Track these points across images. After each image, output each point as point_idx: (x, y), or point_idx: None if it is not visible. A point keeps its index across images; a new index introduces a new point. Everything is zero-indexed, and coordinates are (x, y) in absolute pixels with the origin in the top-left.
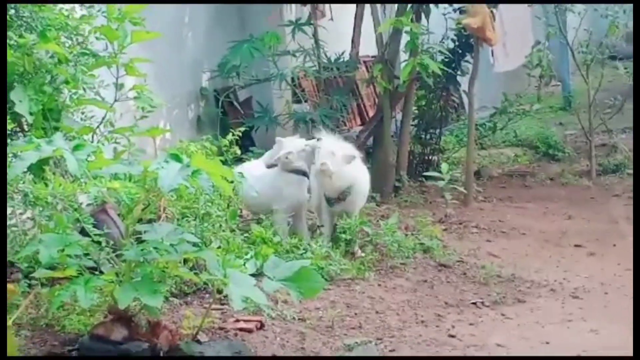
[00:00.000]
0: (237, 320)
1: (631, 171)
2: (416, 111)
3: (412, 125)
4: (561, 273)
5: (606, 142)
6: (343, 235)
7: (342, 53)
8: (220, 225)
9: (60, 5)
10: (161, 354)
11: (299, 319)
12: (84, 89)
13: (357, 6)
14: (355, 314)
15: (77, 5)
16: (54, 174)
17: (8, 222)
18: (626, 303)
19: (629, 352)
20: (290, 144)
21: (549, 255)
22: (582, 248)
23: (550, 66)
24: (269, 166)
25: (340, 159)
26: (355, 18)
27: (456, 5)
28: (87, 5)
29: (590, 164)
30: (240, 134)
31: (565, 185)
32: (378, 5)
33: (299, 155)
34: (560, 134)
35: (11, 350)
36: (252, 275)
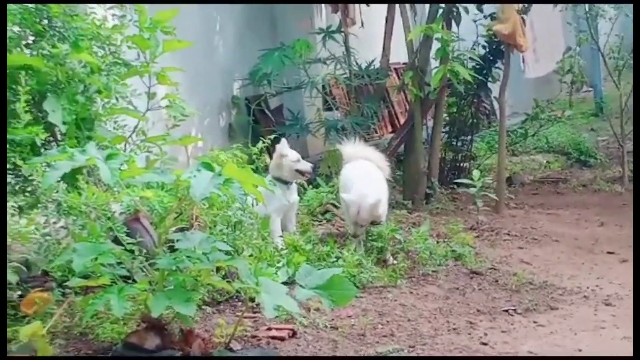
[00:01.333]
0: (270, 329)
1: None
2: (447, 118)
3: (443, 132)
4: (594, 280)
5: None
6: (375, 243)
7: (373, 60)
8: (252, 234)
9: (92, 15)
10: None
11: (331, 327)
12: (117, 98)
13: (387, 13)
14: (387, 321)
15: (109, 15)
16: (87, 183)
17: (42, 231)
18: None
19: None
20: (293, 152)
21: (582, 262)
22: (614, 255)
23: (582, 72)
24: (275, 177)
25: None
26: (385, 25)
27: (487, 12)
28: (119, 14)
29: (623, 170)
30: (271, 142)
31: (598, 191)
32: (409, 12)
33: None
34: (592, 140)
35: None
36: (284, 283)
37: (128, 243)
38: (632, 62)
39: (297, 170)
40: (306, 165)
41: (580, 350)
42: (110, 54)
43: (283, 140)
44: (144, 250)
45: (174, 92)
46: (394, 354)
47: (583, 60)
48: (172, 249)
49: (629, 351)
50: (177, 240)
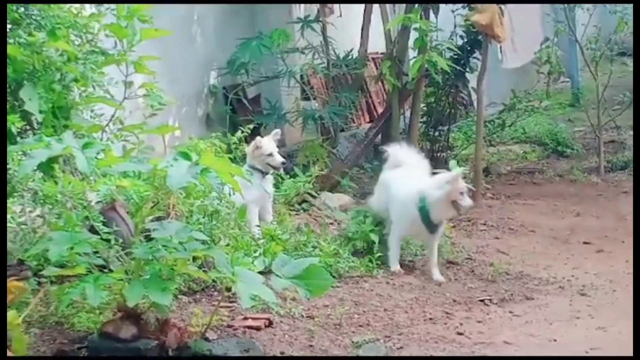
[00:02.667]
0: (246, 318)
1: None
2: (425, 108)
3: (420, 122)
4: (569, 270)
5: (615, 139)
6: (350, 235)
7: (351, 50)
8: (229, 223)
9: (69, 4)
10: (170, 352)
11: (307, 317)
12: (94, 87)
13: (365, 3)
14: (364, 311)
15: (86, 3)
16: (63, 172)
17: (18, 220)
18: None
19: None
20: (270, 145)
21: (558, 252)
22: (590, 245)
23: (559, 63)
24: (251, 166)
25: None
26: (363, 15)
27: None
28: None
29: (599, 160)
30: (249, 132)
31: (574, 182)
32: (387, 2)
33: None
34: (569, 131)
35: (21, 348)
36: (261, 273)
37: (104, 232)
38: (609, 53)
39: (268, 164)
40: (276, 161)
41: (555, 341)
42: (87, 43)
43: (275, 131)
44: (120, 240)
45: (151, 81)
46: (370, 344)
47: (560, 51)
48: (149, 238)
49: (604, 341)
50: (154, 230)
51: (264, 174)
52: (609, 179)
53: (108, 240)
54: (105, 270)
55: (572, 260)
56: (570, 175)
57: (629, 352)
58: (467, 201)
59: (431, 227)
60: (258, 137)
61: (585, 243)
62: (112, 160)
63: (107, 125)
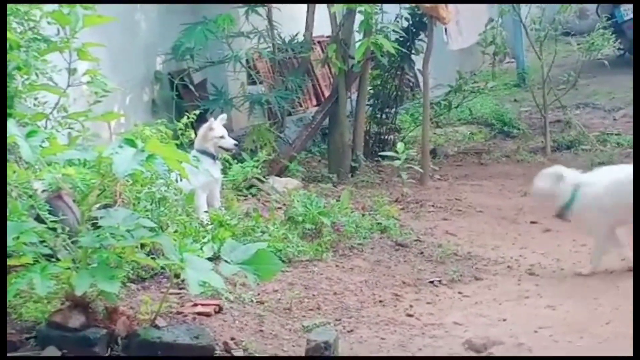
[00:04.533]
0: (195, 305)
1: (586, 147)
2: (371, 91)
3: (367, 105)
4: (517, 250)
5: (560, 119)
6: (300, 218)
7: (297, 34)
8: (177, 210)
9: None
10: (119, 340)
11: (257, 302)
12: (37, 75)
13: None
14: (314, 295)
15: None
16: (7, 161)
17: None
18: (581, 279)
19: (584, 327)
20: (221, 128)
21: (505, 232)
22: (537, 225)
23: (504, 43)
24: (201, 150)
25: None
26: (308, 3)
27: None
28: None
29: (545, 140)
30: (196, 117)
31: (521, 162)
32: None
33: None
34: (515, 111)
35: None
36: (210, 259)
37: (51, 221)
38: (553, 33)
39: (220, 147)
40: (229, 143)
41: (504, 320)
42: (29, 30)
43: (222, 116)
44: (67, 228)
45: (95, 67)
46: (320, 328)
47: (505, 32)
48: (96, 227)
49: (552, 320)
50: (101, 218)
51: (214, 158)
52: (555, 159)
53: (54, 229)
54: (53, 260)
55: (520, 240)
56: (517, 155)
57: (579, 331)
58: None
59: None
60: (211, 119)
61: (532, 223)
62: (57, 149)
63: (51, 113)
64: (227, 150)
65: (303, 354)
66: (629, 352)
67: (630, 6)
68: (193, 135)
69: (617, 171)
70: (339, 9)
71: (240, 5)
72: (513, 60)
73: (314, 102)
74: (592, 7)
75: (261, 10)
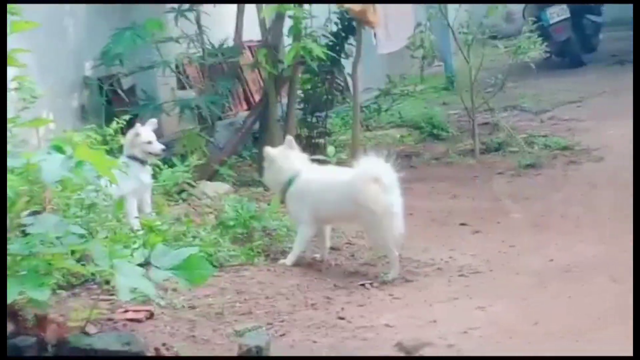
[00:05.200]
0: (126, 311)
1: (514, 149)
2: (302, 95)
3: (298, 109)
4: (447, 252)
5: (488, 121)
6: (231, 222)
7: (226, 38)
8: (107, 216)
9: None
10: (49, 348)
11: (189, 307)
12: None
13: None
14: (245, 299)
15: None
16: None
17: None
18: (511, 279)
19: (513, 327)
20: (148, 133)
21: (435, 234)
22: (467, 226)
23: (433, 47)
24: (130, 156)
25: None
26: (237, 3)
27: None
28: None
29: (474, 142)
30: (125, 123)
31: (450, 164)
32: None
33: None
34: (444, 114)
35: None
36: (141, 265)
37: None
38: (480, 36)
39: (148, 152)
40: (156, 148)
41: (435, 322)
42: None
43: (151, 121)
44: None
45: (23, 73)
46: (252, 332)
47: (433, 36)
48: (25, 234)
49: (482, 321)
50: (30, 225)
51: (143, 163)
52: (484, 161)
53: None
54: None
55: (450, 242)
56: (446, 157)
57: (508, 332)
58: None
59: None
60: (137, 124)
61: (462, 224)
62: None
63: None
64: (155, 155)
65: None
66: (555, 352)
67: (557, 9)
68: (122, 141)
69: (333, 172)
70: (269, 13)
71: (169, 10)
72: (441, 63)
73: (245, 107)
74: (518, 10)
75: (190, 15)
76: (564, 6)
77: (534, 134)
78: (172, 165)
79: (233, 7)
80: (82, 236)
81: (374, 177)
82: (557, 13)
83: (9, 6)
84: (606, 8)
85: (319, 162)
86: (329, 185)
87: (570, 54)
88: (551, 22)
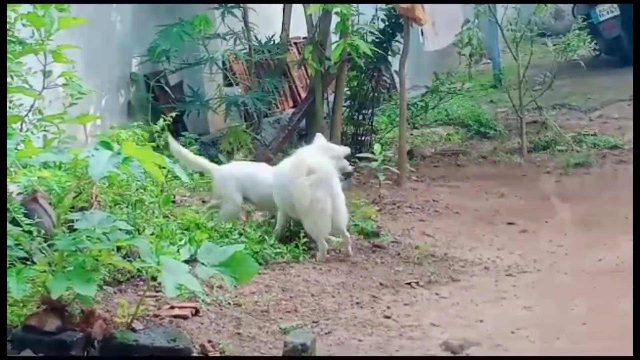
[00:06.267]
0: (172, 307)
1: (562, 148)
2: (348, 92)
3: (344, 106)
4: (494, 251)
5: (537, 119)
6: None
7: (273, 35)
8: (154, 212)
9: None
10: (95, 343)
11: (234, 304)
12: (12, 77)
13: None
14: (291, 297)
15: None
16: None
17: None
18: (558, 279)
19: (561, 328)
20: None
21: (482, 233)
22: (514, 225)
23: (480, 44)
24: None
25: None
26: (284, 2)
27: None
28: None
29: (522, 141)
30: (172, 119)
31: (497, 163)
32: None
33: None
34: (491, 112)
35: None
36: (187, 261)
37: (26, 224)
38: (529, 34)
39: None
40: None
41: (482, 321)
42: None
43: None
44: (43, 231)
45: (70, 69)
46: (298, 329)
47: (481, 33)
48: (72, 229)
49: (529, 321)
50: (77, 220)
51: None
52: (531, 160)
53: (30, 232)
54: (28, 263)
55: (497, 241)
56: (493, 156)
57: (554, 331)
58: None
59: None
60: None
61: (509, 224)
62: (32, 151)
63: (26, 115)
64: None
65: (281, 356)
66: (604, 353)
67: (606, 7)
68: (169, 138)
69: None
70: (315, 10)
71: (216, 6)
72: (489, 61)
73: (291, 104)
74: (567, 7)
75: (237, 11)
76: (614, 4)
77: (582, 132)
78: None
79: (280, 4)
80: (128, 232)
81: (305, 169)
82: (607, 10)
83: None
84: None
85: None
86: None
87: (619, 51)
88: (601, 19)
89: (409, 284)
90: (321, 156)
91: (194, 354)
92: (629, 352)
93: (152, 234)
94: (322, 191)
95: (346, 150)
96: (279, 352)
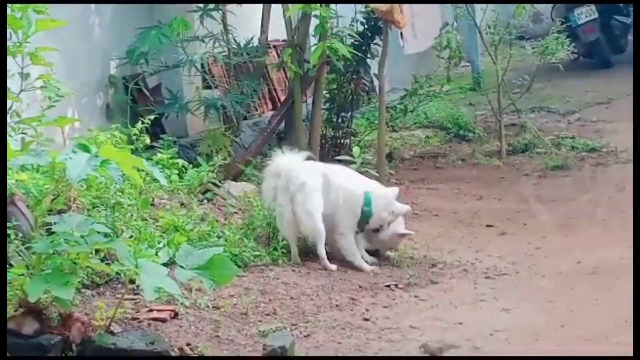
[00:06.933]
0: (151, 310)
1: (541, 150)
2: (327, 95)
3: (323, 109)
4: (473, 253)
5: (515, 122)
6: (257, 222)
7: (252, 38)
8: (132, 215)
9: None
10: (73, 347)
11: (213, 307)
12: None
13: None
14: (270, 300)
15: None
16: None
17: None
18: (537, 281)
19: (540, 330)
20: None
21: (461, 236)
22: (493, 228)
23: (459, 47)
24: None
25: None
26: (263, 3)
27: None
28: None
29: (500, 144)
30: (150, 122)
31: (476, 165)
32: None
33: None
34: (470, 115)
35: None
36: (165, 264)
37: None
38: (508, 37)
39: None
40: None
41: (461, 324)
42: None
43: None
44: (20, 234)
45: (48, 72)
46: (277, 332)
47: (460, 36)
48: (50, 232)
49: (508, 323)
50: (54, 223)
51: None
52: (510, 162)
53: (8, 235)
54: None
55: (476, 244)
56: (472, 159)
57: (534, 334)
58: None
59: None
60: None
61: (488, 226)
62: (10, 154)
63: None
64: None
65: None
66: (583, 354)
67: (584, 10)
68: (148, 141)
69: None
70: (294, 11)
71: (194, 9)
72: (468, 64)
73: (270, 107)
74: (546, 11)
75: (216, 14)
76: (593, 7)
77: (561, 135)
78: (197, 165)
79: (259, 7)
80: (106, 235)
81: (273, 172)
82: (586, 14)
83: (35, 5)
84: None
85: (344, 162)
86: None
87: (598, 55)
88: (579, 22)
89: (388, 286)
90: (299, 162)
91: (173, 357)
92: (608, 354)
93: (131, 236)
94: (282, 197)
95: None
96: (258, 355)
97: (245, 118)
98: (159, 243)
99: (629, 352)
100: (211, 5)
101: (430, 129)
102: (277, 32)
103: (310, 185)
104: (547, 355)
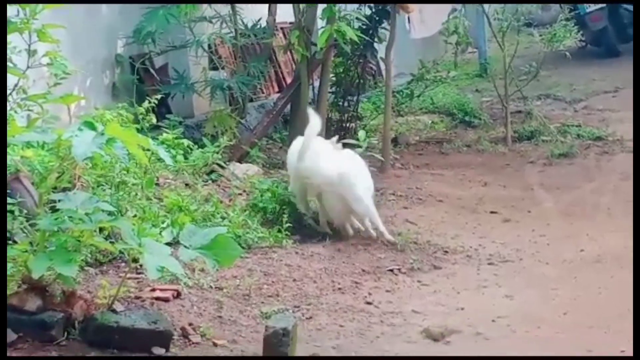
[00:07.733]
0: (154, 290)
1: (546, 138)
2: (334, 78)
3: (329, 92)
4: (477, 239)
5: (521, 109)
6: (261, 204)
7: (259, 20)
8: (136, 194)
9: None
10: (76, 324)
11: (216, 288)
12: None
13: None
14: (273, 282)
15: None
16: None
17: None
18: (540, 269)
19: (542, 317)
20: None
21: (465, 222)
22: (497, 214)
23: (467, 33)
24: None
25: None
26: None
27: None
28: None
29: (506, 130)
30: (157, 101)
31: (482, 152)
32: None
33: None
34: (476, 101)
35: None
36: (169, 244)
37: (8, 203)
38: (515, 23)
39: None
40: None
41: (463, 309)
42: None
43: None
44: (25, 211)
45: (55, 49)
46: (279, 314)
47: (468, 22)
48: (54, 210)
49: (510, 309)
50: (59, 201)
51: None
52: (515, 149)
53: (12, 212)
54: (10, 242)
55: (480, 230)
56: (477, 145)
57: (536, 321)
58: None
59: None
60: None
61: (492, 212)
62: (15, 131)
63: (10, 94)
64: None
65: (261, 340)
66: (585, 343)
67: None
68: (154, 120)
69: None
70: None
71: None
72: (475, 50)
73: (276, 89)
74: None
75: None
76: None
77: (567, 123)
78: (202, 146)
79: None
80: (111, 213)
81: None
82: (594, 1)
83: None
84: None
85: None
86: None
87: (605, 43)
88: (587, 10)
89: (391, 270)
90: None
91: (175, 337)
92: (610, 342)
93: (135, 215)
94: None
95: None
96: (259, 336)
97: (251, 100)
98: (163, 222)
99: (630, 341)
100: None
101: (436, 114)
102: (285, 14)
103: (350, 173)
104: (548, 348)
